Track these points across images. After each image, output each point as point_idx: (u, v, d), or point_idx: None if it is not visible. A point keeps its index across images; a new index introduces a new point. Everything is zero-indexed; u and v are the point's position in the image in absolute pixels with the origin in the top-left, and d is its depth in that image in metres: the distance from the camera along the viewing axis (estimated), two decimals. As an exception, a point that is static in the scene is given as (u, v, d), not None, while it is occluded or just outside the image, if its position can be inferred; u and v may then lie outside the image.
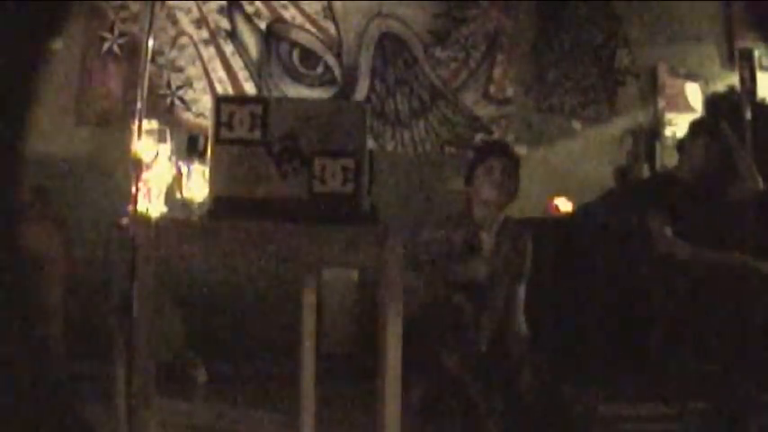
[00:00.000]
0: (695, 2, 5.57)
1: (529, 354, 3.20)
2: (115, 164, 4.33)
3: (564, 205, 5.11)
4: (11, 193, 1.67)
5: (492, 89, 5.30)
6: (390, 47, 5.15)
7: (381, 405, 2.61)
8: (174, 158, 2.97)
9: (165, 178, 2.94)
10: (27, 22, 1.60)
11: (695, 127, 4.31)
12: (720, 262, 3.95)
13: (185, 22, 4.79)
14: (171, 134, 3.02)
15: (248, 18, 4.92)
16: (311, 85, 5.02)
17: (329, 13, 5.06)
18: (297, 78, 5.00)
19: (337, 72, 5.07)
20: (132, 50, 4.60)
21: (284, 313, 4.26)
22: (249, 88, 4.89)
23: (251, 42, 4.93)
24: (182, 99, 4.76)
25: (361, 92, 5.10)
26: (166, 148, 2.97)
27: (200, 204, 2.84)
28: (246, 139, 2.61)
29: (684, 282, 3.95)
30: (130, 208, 2.63)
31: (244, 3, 4.91)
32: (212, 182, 2.64)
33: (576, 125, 5.48)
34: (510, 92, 5.34)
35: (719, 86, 5.61)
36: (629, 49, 5.55)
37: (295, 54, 5.01)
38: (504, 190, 3.27)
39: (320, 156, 2.61)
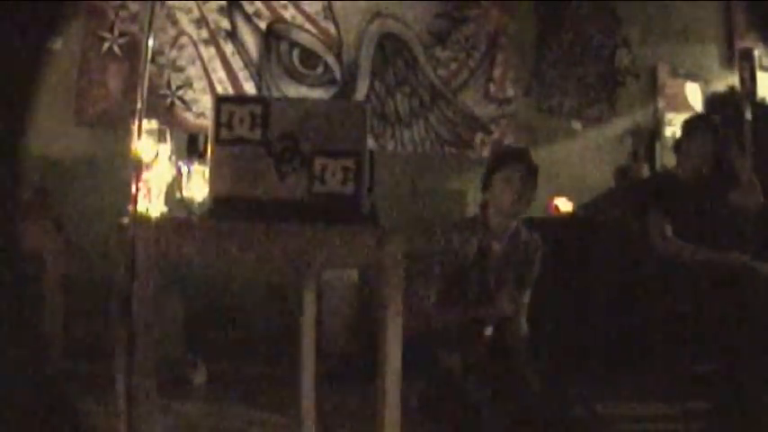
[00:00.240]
0: (695, 2, 5.57)
1: (529, 354, 3.20)
2: (115, 164, 4.32)
3: (564, 205, 5.11)
4: (11, 193, 1.67)
5: (492, 89, 5.30)
6: (390, 47, 5.15)
7: (381, 405, 2.61)
8: (174, 158, 2.96)
9: (165, 178, 2.94)
10: (27, 22, 1.60)
11: (688, 125, 4.32)
12: (720, 262, 3.95)
13: (185, 22, 4.79)
14: (171, 134, 3.01)
15: (248, 18, 4.92)
16: (311, 85, 5.02)
17: (329, 13, 5.06)
18: (297, 78, 5.00)
19: (337, 72, 5.07)
20: (132, 50, 4.60)
21: (284, 313, 4.27)
22: (249, 88, 4.89)
23: (251, 42, 4.93)
24: (182, 99, 4.76)
25: (361, 92, 5.10)
26: (166, 148, 2.97)
27: (200, 204, 2.84)
28: (246, 139, 2.61)
29: (684, 282, 3.95)
30: (130, 208, 2.62)
31: (244, 3, 4.91)
32: (212, 182, 2.64)
33: (576, 125, 5.48)
34: (510, 92, 5.34)
35: (719, 86, 5.61)
36: (629, 49, 5.55)
37: (295, 54, 5.01)
38: (523, 199, 3.22)
39: (320, 156, 2.61)
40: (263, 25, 4.95)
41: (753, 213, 4.21)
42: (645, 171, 5.38)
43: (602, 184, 5.31)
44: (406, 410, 2.69)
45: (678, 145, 4.37)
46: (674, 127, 5.50)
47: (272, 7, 4.96)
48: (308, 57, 5.03)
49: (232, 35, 4.89)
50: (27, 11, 1.59)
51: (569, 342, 4.29)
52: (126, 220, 2.62)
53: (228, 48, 4.88)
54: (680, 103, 5.61)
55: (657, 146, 5.47)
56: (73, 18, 4.25)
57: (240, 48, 4.91)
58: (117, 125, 4.48)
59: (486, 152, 5.25)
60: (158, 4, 4.55)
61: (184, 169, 2.90)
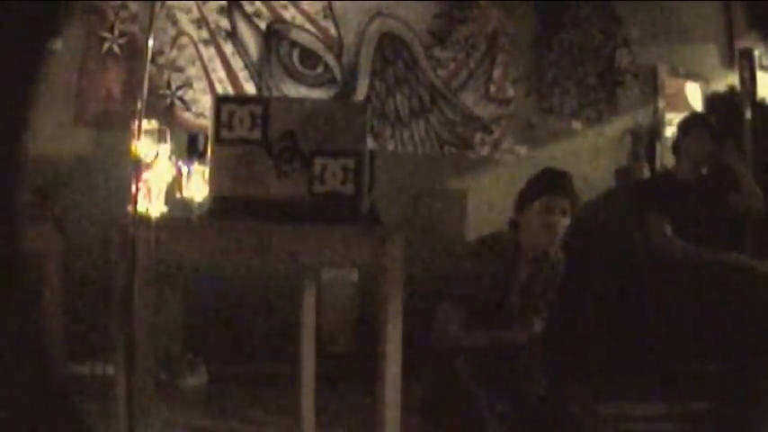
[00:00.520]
0: (695, 2, 5.56)
1: (540, 351, 3.17)
2: (115, 164, 4.32)
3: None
4: (11, 194, 1.67)
5: (492, 89, 5.30)
6: (390, 47, 5.15)
7: (381, 405, 2.62)
8: (174, 158, 2.97)
9: (165, 178, 2.94)
10: (27, 22, 1.60)
11: (685, 125, 4.33)
12: (719, 262, 3.95)
13: (185, 22, 4.78)
14: (171, 134, 3.02)
15: (248, 18, 4.92)
16: (311, 85, 5.01)
17: (329, 13, 5.05)
18: (297, 78, 5.00)
19: (337, 72, 5.06)
20: (132, 50, 4.60)
21: (284, 313, 4.27)
22: (249, 88, 4.88)
23: (251, 42, 4.93)
24: (182, 99, 4.76)
25: (361, 92, 5.09)
26: (166, 148, 2.97)
27: (200, 204, 2.84)
28: (246, 138, 2.61)
29: (684, 282, 3.95)
30: (130, 208, 2.62)
31: (244, 3, 4.91)
32: (212, 182, 2.65)
33: (576, 125, 5.47)
34: (510, 92, 5.34)
35: (719, 86, 5.60)
36: (629, 49, 5.54)
37: (295, 54, 5.01)
38: (560, 231, 3.04)
39: (320, 156, 2.61)
40: (263, 25, 4.95)
41: (752, 213, 4.22)
42: (645, 171, 5.38)
43: (602, 184, 5.30)
44: (405, 410, 2.69)
45: (676, 145, 4.38)
46: (674, 127, 5.50)
47: (272, 7, 4.96)
48: (308, 57, 5.03)
49: (232, 35, 4.89)
50: (27, 11, 1.59)
51: (569, 342, 4.29)
52: (126, 220, 2.62)
53: (228, 48, 4.88)
54: (680, 103, 5.60)
55: (657, 146, 5.47)
56: (73, 18, 4.25)
57: (240, 48, 4.90)
58: (117, 125, 4.48)
59: (485, 152, 5.25)
60: (158, 4, 4.55)
61: (184, 169, 2.90)
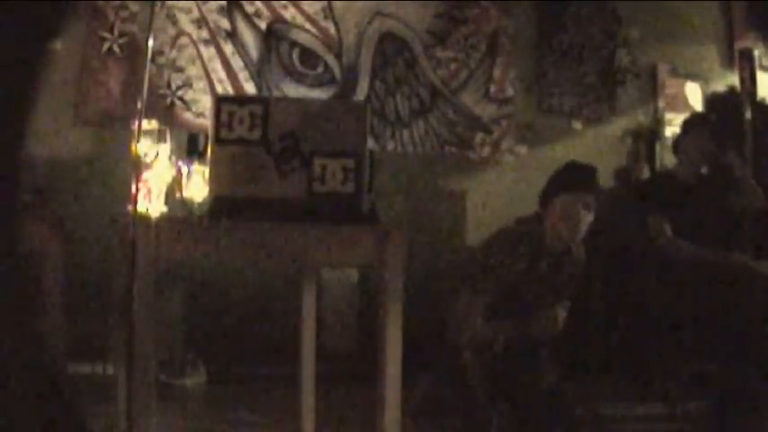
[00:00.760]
0: (695, 2, 5.57)
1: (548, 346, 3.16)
2: (115, 164, 4.33)
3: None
4: (11, 194, 1.67)
5: (492, 89, 5.30)
6: (390, 47, 5.15)
7: (381, 405, 2.61)
8: (174, 158, 2.97)
9: (164, 178, 2.94)
10: (27, 22, 1.60)
11: (686, 125, 4.33)
12: (720, 262, 3.95)
13: (185, 22, 4.78)
14: (171, 134, 3.02)
15: (248, 18, 4.92)
16: (311, 85, 5.02)
17: (329, 13, 5.05)
18: (297, 78, 5.00)
19: (337, 72, 5.07)
20: (132, 50, 4.60)
21: (284, 313, 4.26)
22: (249, 88, 4.88)
23: (251, 42, 4.93)
24: (182, 99, 4.76)
25: (361, 92, 5.09)
26: (166, 148, 2.97)
27: (200, 204, 2.84)
28: (246, 138, 2.61)
29: (684, 282, 3.95)
30: (130, 208, 2.62)
31: (244, 3, 4.91)
32: (212, 182, 2.65)
33: (576, 125, 5.48)
34: (510, 92, 5.34)
35: (719, 86, 5.61)
36: (629, 49, 5.55)
37: (295, 54, 5.01)
38: (584, 226, 3.07)
39: (320, 156, 2.61)
40: (263, 25, 4.95)
41: (752, 213, 4.21)
42: (645, 171, 5.38)
43: (602, 184, 5.30)
44: (405, 410, 2.69)
45: (676, 144, 4.37)
46: (674, 127, 5.50)
47: (272, 7, 4.96)
48: (308, 57, 5.03)
49: (232, 35, 4.89)
50: (27, 11, 1.59)
51: (569, 342, 4.29)
52: (126, 220, 2.62)
53: (228, 48, 4.88)
54: (680, 103, 5.61)
55: (657, 146, 5.47)
56: (73, 18, 4.25)
57: (240, 48, 4.91)
58: (117, 125, 4.48)
59: (485, 152, 5.25)
60: (158, 4, 4.56)
61: (184, 169, 2.90)
